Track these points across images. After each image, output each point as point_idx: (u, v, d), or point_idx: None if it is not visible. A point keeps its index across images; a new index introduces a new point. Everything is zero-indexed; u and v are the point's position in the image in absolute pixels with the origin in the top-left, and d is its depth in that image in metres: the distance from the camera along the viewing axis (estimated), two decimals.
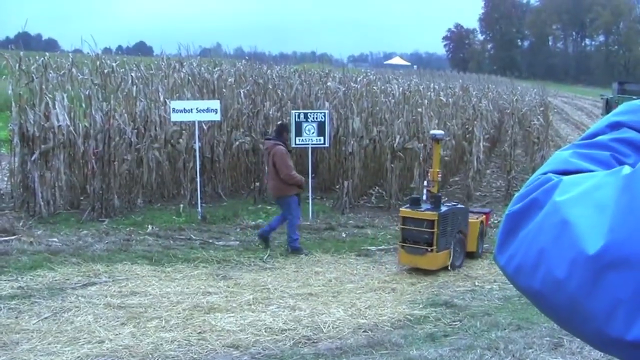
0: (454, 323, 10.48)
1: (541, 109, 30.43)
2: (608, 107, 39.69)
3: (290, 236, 15.11)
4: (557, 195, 1.22)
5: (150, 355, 8.82)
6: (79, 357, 8.70)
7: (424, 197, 14.58)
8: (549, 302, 1.20)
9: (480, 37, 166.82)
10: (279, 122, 17.29)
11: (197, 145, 18.01)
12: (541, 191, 1.27)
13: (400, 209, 14.42)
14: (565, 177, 1.27)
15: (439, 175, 15.00)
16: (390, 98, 23.78)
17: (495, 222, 17.85)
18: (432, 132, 16.20)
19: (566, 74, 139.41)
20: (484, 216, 15.68)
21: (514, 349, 8.69)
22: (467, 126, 24.91)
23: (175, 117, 17.72)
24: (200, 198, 17.90)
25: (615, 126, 1.42)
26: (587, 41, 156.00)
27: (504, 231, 1.31)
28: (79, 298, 11.21)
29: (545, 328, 9.68)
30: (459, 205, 15.33)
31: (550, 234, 1.19)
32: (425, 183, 15.01)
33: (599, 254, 1.08)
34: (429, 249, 13.50)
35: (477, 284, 13.20)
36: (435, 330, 10.04)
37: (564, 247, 1.14)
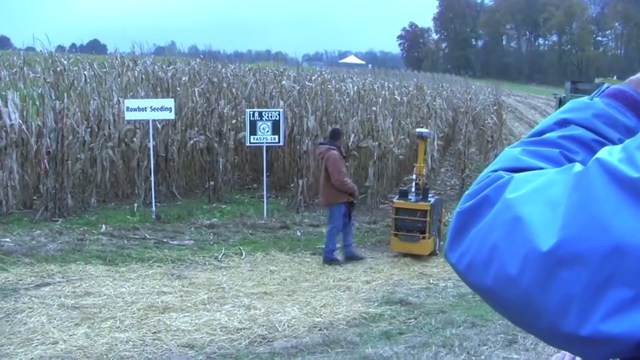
0: (409, 321, 10.52)
1: (495, 107, 30.69)
2: (561, 106, 39.91)
3: (328, 245, 14.61)
4: (509, 193, 1.23)
5: (104, 356, 8.77)
6: (32, 358, 8.62)
7: (412, 190, 15.80)
8: (501, 299, 1.20)
9: (435, 36, 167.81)
10: (333, 127, 16.94)
11: (151, 144, 17.92)
12: (492, 188, 1.28)
13: (394, 200, 15.65)
14: (516, 175, 1.28)
15: (424, 170, 16.49)
16: (345, 97, 23.88)
17: (449, 219, 17.89)
18: (418, 130, 17.17)
19: (520, 73, 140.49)
20: None
21: (468, 346, 8.75)
22: (421, 125, 25.02)
23: (129, 115, 17.61)
24: (155, 197, 17.81)
25: (562, 123, 1.44)
26: (541, 41, 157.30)
27: (455, 229, 1.31)
28: (33, 299, 11.11)
29: (500, 325, 9.75)
30: (438, 197, 16.84)
31: (502, 230, 1.19)
32: (413, 177, 16.03)
33: (551, 251, 1.09)
34: (422, 236, 14.89)
35: (431, 281, 13.27)
36: (390, 328, 10.07)
37: (517, 244, 1.15)
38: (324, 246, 14.77)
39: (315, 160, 19.02)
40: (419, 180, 15.75)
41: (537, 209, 1.16)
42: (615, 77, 43.23)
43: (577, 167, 1.18)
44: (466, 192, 1.36)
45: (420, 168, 15.93)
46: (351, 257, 14.63)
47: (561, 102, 39.93)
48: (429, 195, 15.76)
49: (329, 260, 14.47)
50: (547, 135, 1.42)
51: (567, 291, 1.08)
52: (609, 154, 1.15)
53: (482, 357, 8.45)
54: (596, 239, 1.07)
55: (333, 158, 14.30)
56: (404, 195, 15.46)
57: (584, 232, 1.08)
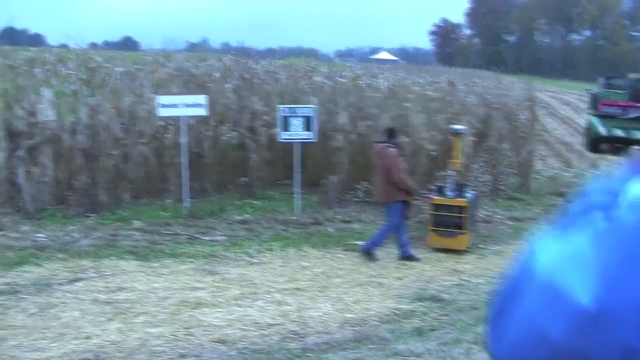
0: (441, 317, 10.51)
1: (528, 103, 30.45)
2: (594, 101, 39.70)
3: (375, 240, 14.53)
4: (536, 264, 1.22)
5: (137, 351, 8.81)
6: (65, 352, 8.68)
7: (448, 185, 15.77)
8: None
9: (467, 31, 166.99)
10: (388, 126, 16.94)
11: (183, 140, 17.96)
12: (519, 268, 1.28)
13: (431, 196, 15.67)
14: (537, 244, 1.27)
15: (460, 165, 16.73)
16: (377, 93, 23.81)
17: (482, 216, 17.90)
18: (453, 126, 17.69)
19: (552, 69, 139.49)
20: None
21: None
22: (453, 121, 24.92)
23: (161, 112, 17.67)
24: (187, 193, 17.85)
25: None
26: (574, 36, 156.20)
27: (492, 316, 1.31)
28: (66, 294, 11.19)
29: None
30: (475, 192, 16.79)
31: (538, 301, 1.18)
32: (450, 173, 16.09)
33: (589, 308, 1.08)
34: (459, 231, 15.14)
35: (463, 278, 13.22)
36: (422, 325, 10.06)
37: (555, 309, 1.13)
38: (369, 239, 14.62)
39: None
40: (455, 176, 15.96)
41: (568, 272, 1.14)
42: None
43: (600, 224, 1.17)
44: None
45: (456, 164, 16.11)
46: (408, 258, 14.43)
47: (594, 98, 39.72)
48: (466, 190, 15.90)
49: (366, 251, 14.37)
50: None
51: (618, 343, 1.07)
52: None
53: None
54: None
55: (392, 155, 14.30)
56: (440, 191, 15.61)
57: (617, 289, 1.08)
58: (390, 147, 14.47)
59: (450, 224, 15.19)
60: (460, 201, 15.28)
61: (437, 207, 15.28)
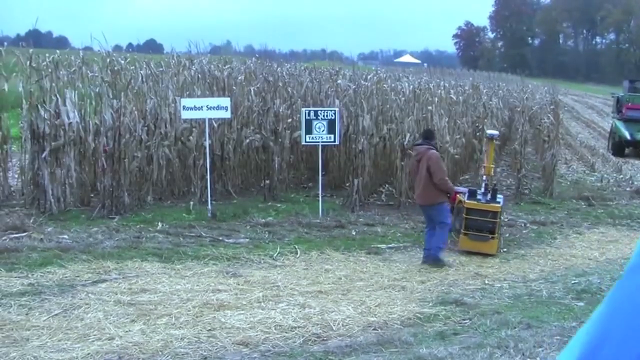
0: (464, 321, 10.48)
1: (551, 107, 30.40)
2: (619, 105, 39.57)
3: (439, 245, 14.40)
4: None
5: (160, 352, 8.83)
6: (89, 353, 8.71)
7: (482, 189, 16.14)
8: None
9: (491, 35, 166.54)
10: (426, 128, 16.90)
11: (207, 143, 18.01)
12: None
13: (464, 200, 15.66)
14: None
15: (493, 170, 17.11)
16: (400, 96, 23.78)
17: (505, 219, 17.87)
18: (487, 131, 18.08)
19: (577, 72, 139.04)
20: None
21: (523, 347, 8.69)
22: (477, 124, 24.91)
23: (185, 114, 17.74)
24: (210, 195, 17.89)
25: None
26: (598, 39, 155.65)
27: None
28: (89, 295, 11.23)
29: (555, 327, 9.69)
30: (503, 197, 17.00)
31: None
32: (483, 177, 16.68)
33: None
34: (491, 236, 15.31)
35: (487, 282, 13.20)
36: (445, 329, 10.04)
37: None
38: (432, 246, 14.43)
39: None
40: (488, 180, 16.32)
41: None
42: None
43: None
44: None
45: (489, 169, 16.51)
46: (437, 261, 14.35)
47: (619, 102, 39.56)
48: (497, 195, 16.06)
49: (435, 259, 14.27)
50: None
51: None
52: None
53: (537, 359, 8.40)
54: None
55: (435, 157, 14.31)
56: (473, 195, 15.68)
57: None
58: (432, 149, 14.50)
59: (482, 228, 15.31)
60: (494, 206, 15.42)
61: (470, 211, 15.34)
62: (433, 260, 14.22)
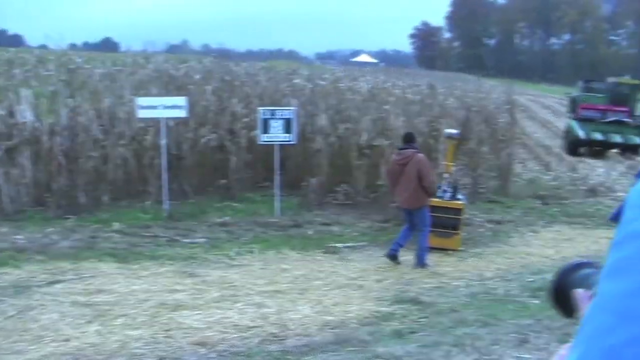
0: (421, 320, 10.52)
1: (507, 106, 30.56)
2: (573, 105, 39.98)
3: (424, 249, 14.41)
4: None
5: (116, 353, 8.79)
6: (44, 355, 8.65)
7: (443, 187, 16.37)
8: None
9: (447, 35, 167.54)
10: (407, 131, 16.87)
11: (163, 142, 17.93)
12: None
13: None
14: None
15: (452, 168, 17.43)
16: (357, 95, 23.85)
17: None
18: (447, 130, 18.29)
19: (532, 72, 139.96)
20: None
21: (480, 345, 8.75)
22: (433, 124, 24.99)
23: (141, 113, 17.64)
24: (167, 195, 17.82)
25: None
26: (553, 39, 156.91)
27: None
28: (45, 296, 11.14)
29: (512, 325, 9.76)
30: (465, 194, 17.83)
31: None
32: (445, 175, 16.84)
33: None
34: (455, 232, 15.88)
35: (443, 280, 13.27)
36: (402, 327, 10.07)
37: None
38: (417, 250, 14.42)
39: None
40: (450, 178, 16.66)
41: None
42: (628, 77, 43.09)
43: None
44: None
45: (449, 167, 16.88)
46: (424, 266, 14.33)
47: (574, 101, 39.97)
48: (459, 192, 16.59)
49: (422, 263, 14.31)
50: None
51: None
52: None
53: (494, 356, 8.46)
54: None
55: (425, 161, 14.38)
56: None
57: None
58: (419, 152, 14.55)
59: (447, 225, 15.74)
60: (457, 203, 15.99)
61: (435, 208, 15.41)
62: (421, 266, 14.24)
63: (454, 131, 18.01)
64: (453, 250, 15.76)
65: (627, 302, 1.04)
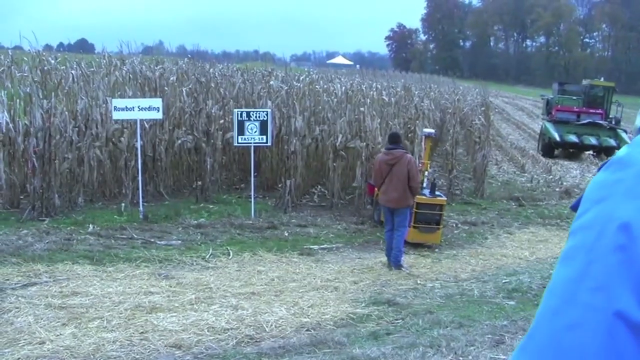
0: (397, 321, 10.54)
1: (482, 108, 30.77)
2: (548, 107, 40.27)
3: (401, 250, 14.41)
4: None
5: (91, 356, 8.75)
6: (19, 358, 8.60)
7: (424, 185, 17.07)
8: None
9: (423, 37, 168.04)
10: (392, 132, 16.85)
11: (138, 144, 17.88)
12: None
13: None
14: None
15: (429, 167, 18.50)
16: (332, 97, 23.87)
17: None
18: (424, 130, 19.16)
19: (507, 75, 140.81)
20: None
21: (456, 346, 8.76)
22: (409, 125, 25.05)
23: (117, 115, 17.58)
24: (142, 197, 17.78)
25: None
26: (528, 42, 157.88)
27: None
28: (19, 298, 11.08)
29: (487, 326, 9.79)
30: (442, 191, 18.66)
31: None
32: (425, 173, 17.68)
33: None
34: (437, 227, 16.55)
35: (419, 282, 13.31)
36: (377, 329, 10.09)
37: None
38: (393, 250, 14.39)
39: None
40: (429, 176, 17.64)
41: None
42: (602, 79, 43.45)
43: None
44: None
45: (427, 165, 17.71)
46: (400, 267, 14.36)
47: (548, 103, 40.24)
48: (436, 189, 17.22)
49: (399, 264, 14.32)
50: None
51: None
52: None
53: (470, 357, 8.47)
54: None
55: (414, 161, 14.63)
56: None
57: None
58: (407, 152, 14.73)
59: (430, 220, 16.39)
60: (440, 200, 16.64)
61: (420, 205, 16.10)
62: (397, 267, 14.26)
63: (431, 130, 18.84)
64: (434, 244, 16.49)
65: (571, 287, 1.11)
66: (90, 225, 16.29)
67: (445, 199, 17.17)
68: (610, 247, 1.09)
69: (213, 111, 20.90)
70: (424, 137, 18.69)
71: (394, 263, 14.28)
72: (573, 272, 1.12)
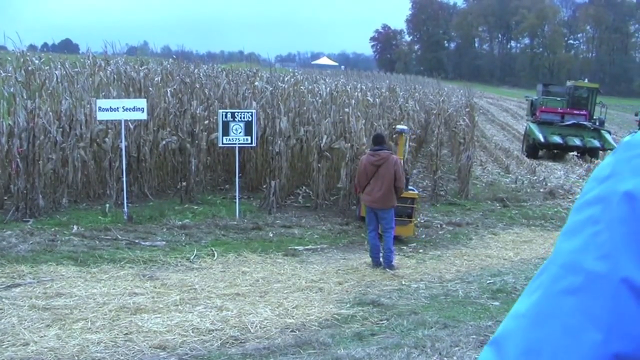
0: (381, 322, 10.55)
1: (467, 109, 30.76)
2: (533, 108, 40.43)
3: (392, 250, 14.49)
4: None
5: (76, 358, 8.73)
6: (2, 359, 8.58)
7: None
8: None
9: (408, 38, 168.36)
10: (377, 133, 16.85)
11: (123, 145, 17.84)
12: None
13: None
14: None
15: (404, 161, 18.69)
16: (317, 98, 23.88)
17: (421, 221, 18.14)
18: (397, 126, 19.57)
19: (492, 76, 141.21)
20: None
21: (440, 347, 8.78)
22: (394, 126, 25.07)
23: (101, 115, 17.54)
24: (126, 198, 17.74)
25: None
26: (513, 43, 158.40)
27: None
28: (3, 300, 11.04)
29: (472, 326, 9.82)
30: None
31: None
32: None
33: None
34: (409, 220, 17.02)
35: (403, 282, 13.32)
36: (362, 330, 10.10)
37: None
38: (384, 251, 14.47)
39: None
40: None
41: None
42: (586, 80, 43.63)
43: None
44: None
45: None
46: (392, 267, 14.43)
47: (533, 105, 40.38)
48: (409, 183, 17.69)
49: (391, 264, 14.38)
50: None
51: None
52: None
53: (454, 358, 8.50)
54: None
55: (400, 163, 14.75)
56: None
57: None
58: (393, 154, 14.86)
59: (402, 213, 16.64)
60: (412, 193, 17.19)
61: None
62: (390, 267, 14.29)
63: (404, 127, 19.32)
64: (407, 237, 16.96)
65: (573, 257, 1.14)
66: (75, 226, 16.25)
67: (417, 192, 17.78)
68: (617, 217, 1.12)
69: (198, 112, 20.88)
70: (397, 134, 18.96)
71: (387, 263, 14.31)
72: (577, 244, 1.15)
